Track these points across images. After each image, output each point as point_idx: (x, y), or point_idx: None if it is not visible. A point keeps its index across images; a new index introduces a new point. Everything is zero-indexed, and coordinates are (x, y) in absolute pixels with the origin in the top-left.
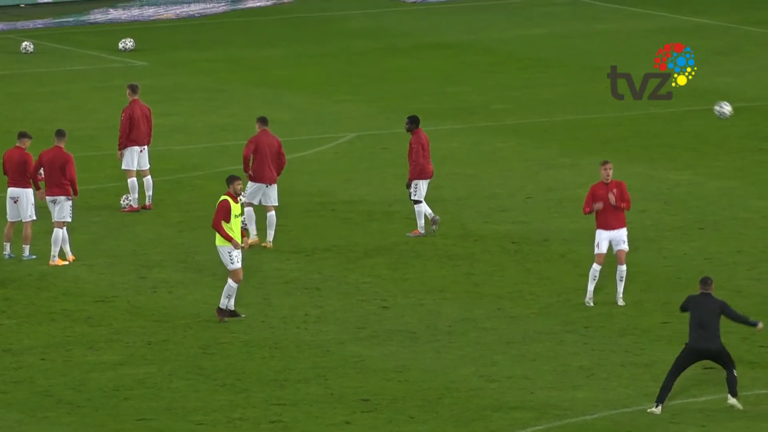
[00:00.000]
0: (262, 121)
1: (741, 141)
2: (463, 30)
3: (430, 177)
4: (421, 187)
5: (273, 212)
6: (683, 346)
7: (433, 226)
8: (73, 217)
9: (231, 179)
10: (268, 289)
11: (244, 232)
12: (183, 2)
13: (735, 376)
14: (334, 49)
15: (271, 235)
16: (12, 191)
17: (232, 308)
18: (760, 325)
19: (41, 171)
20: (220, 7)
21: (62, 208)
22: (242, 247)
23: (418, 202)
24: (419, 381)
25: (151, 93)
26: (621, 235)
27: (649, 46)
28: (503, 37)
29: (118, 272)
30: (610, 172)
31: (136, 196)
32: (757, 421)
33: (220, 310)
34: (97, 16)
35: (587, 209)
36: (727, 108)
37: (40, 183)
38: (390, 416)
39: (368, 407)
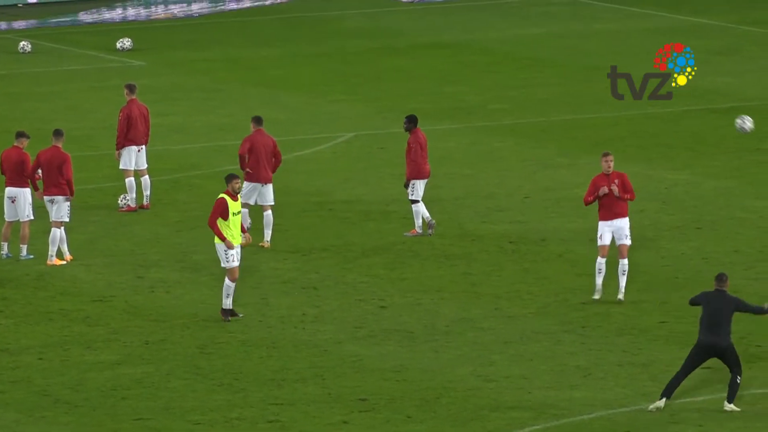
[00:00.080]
0: (257, 120)
1: (738, 141)
2: (460, 30)
3: (427, 177)
4: (418, 187)
5: (269, 212)
6: (680, 345)
7: (429, 230)
8: (70, 217)
9: (230, 177)
10: (265, 289)
11: (245, 228)
12: (179, 2)
13: (738, 383)
14: (331, 49)
15: (268, 234)
16: (9, 191)
17: (230, 307)
18: None
19: (39, 171)
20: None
21: (60, 208)
22: (242, 244)
23: (415, 201)
24: (417, 381)
25: (148, 93)
26: (623, 227)
27: (648, 46)
28: (500, 37)
29: (115, 272)
30: (611, 164)
31: (134, 195)
32: (754, 420)
33: (223, 310)
34: (95, 15)
35: (589, 198)
36: (748, 123)
37: (38, 182)
38: (387, 416)
39: (366, 407)
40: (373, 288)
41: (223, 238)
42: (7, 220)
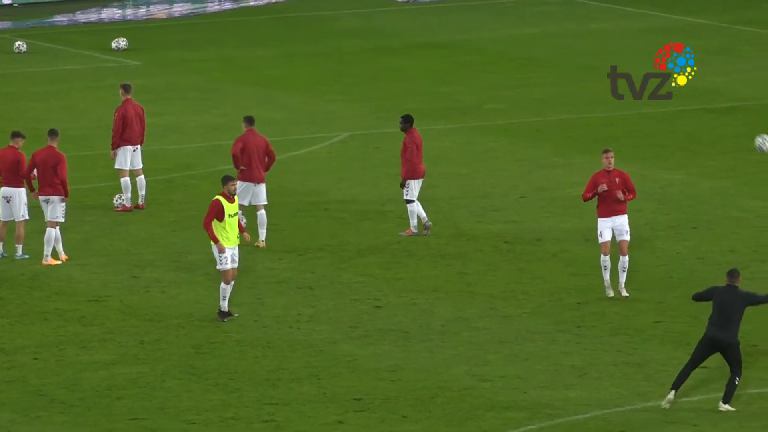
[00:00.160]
0: (249, 120)
1: (734, 141)
2: (456, 30)
3: (422, 177)
4: (413, 187)
5: (263, 211)
6: (675, 345)
7: (425, 231)
8: (66, 217)
9: (225, 179)
10: (260, 289)
11: (243, 228)
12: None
13: (736, 384)
14: (327, 49)
15: (263, 234)
16: (5, 191)
17: (225, 309)
18: None
19: (34, 171)
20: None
21: (55, 208)
22: (241, 243)
23: (410, 201)
24: (412, 380)
25: (143, 92)
26: (623, 223)
27: (643, 45)
28: (495, 37)
29: (111, 272)
30: (612, 160)
31: (129, 195)
32: (749, 420)
33: (220, 312)
34: (90, 15)
35: (588, 194)
36: None
37: (33, 183)
38: (382, 416)
39: (361, 407)
40: (368, 288)
41: (215, 241)
42: (2, 220)
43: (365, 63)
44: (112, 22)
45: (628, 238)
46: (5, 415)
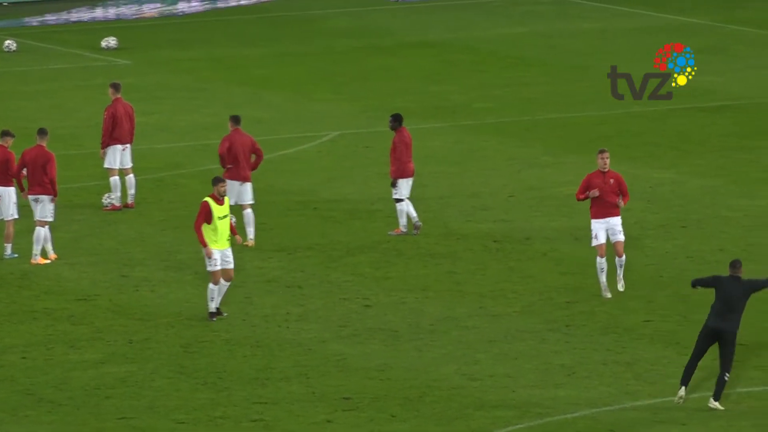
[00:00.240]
0: (235, 120)
1: (723, 139)
2: (446, 29)
3: (411, 176)
4: (402, 186)
5: (250, 210)
6: (665, 344)
7: (415, 231)
8: (54, 216)
9: (215, 181)
10: (249, 288)
11: (235, 230)
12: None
13: (725, 381)
14: (316, 48)
15: (251, 232)
16: None
17: (214, 310)
18: None
19: (24, 170)
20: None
21: (44, 207)
22: (233, 245)
23: (399, 200)
24: (401, 379)
25: (133, 91)
26: (616, 224)
27: (635, 45)
28: (486, 36)
29: (100, 271)
30: (608, 161)
31: (119, 194)
32: (738, 419)
33: (209, 312)
34: (80, 14)
35: (580, 196)
36: None
37: (23, 182)
38: (371, 415)
39: (350, 406)
40: (357, 287)
41: (204, 245)
42: None
43: (355, 62)
44: (102, 21)
45: (622, 238)
46: None
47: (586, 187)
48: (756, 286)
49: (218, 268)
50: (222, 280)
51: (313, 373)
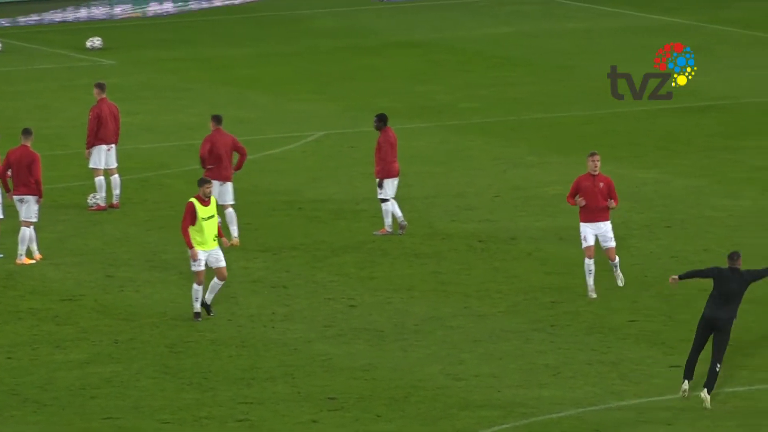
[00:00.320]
0: (217, 119)
1: (708, 139)
2: (431, 29)
3: (396, 176)
4: (387, 186)
5: (231, 209)
6: (650, 344)
7: (400, 231)
8: (38, 217)
9: (201, 182)
10: (234, 288)
11: (222, 231)
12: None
13: (716, 372)
14: (301, 48)
15: (235, 231)
16: None
17: (198, 310)
18: None
19: (9, 170)
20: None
21: (29, 208)
22: (221, 246)
23: (384, 200)
24: (386, 379)
25: (118, 91)
26: (607, 230)
27: (620, 44)
28: (471, 36)
29: (85, 271)
30: (598, 164)
31: (104, 194)
32: (724, 419)
33: (194, 312)
34: (65, 14)
35: (571, 200)
36: None
37: (8, 182)
38: (357, 415)
39: (335, 406)
40: (342, 287)
41: (189, 245)
42: None
43: (340, 62)
44: (87, 21)
45: (613, 244)
46: None
47: (576, 190)
48: (756, 275)
49: (202, 268)
50: (216, 279)
51: (299, 373)
